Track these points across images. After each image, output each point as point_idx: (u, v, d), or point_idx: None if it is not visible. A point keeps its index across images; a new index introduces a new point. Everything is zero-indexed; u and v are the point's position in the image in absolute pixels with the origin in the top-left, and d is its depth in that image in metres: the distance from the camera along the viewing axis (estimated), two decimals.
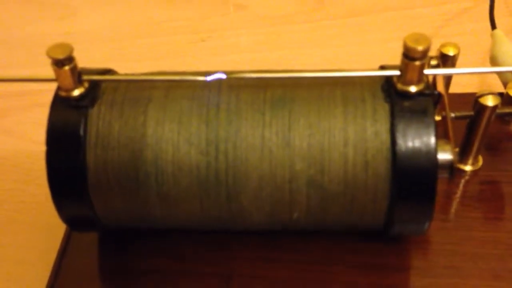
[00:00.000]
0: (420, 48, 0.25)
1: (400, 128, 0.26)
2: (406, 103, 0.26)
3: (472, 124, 0.32)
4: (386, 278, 0.30)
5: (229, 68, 0.29)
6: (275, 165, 0.27)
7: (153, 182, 0.28)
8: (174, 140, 0.28)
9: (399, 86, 0.27)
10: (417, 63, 0.25)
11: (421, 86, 0.26)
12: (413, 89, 0.26)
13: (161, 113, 0.28)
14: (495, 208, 0.33)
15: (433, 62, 0.34)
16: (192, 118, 0.28)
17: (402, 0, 0.60)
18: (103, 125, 0.28)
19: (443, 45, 0.33)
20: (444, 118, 0.32)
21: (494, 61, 0.38)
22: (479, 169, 0.35)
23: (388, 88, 0.27)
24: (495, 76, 0.38)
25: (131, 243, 0.32)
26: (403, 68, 0.26)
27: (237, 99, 0.28)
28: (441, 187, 0.32)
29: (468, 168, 0.35)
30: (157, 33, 0.61)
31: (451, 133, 0.30)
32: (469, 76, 0.44)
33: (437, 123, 0.27)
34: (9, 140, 0.49)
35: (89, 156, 0.28)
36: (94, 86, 0.29)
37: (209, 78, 0.28)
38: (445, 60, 0.33)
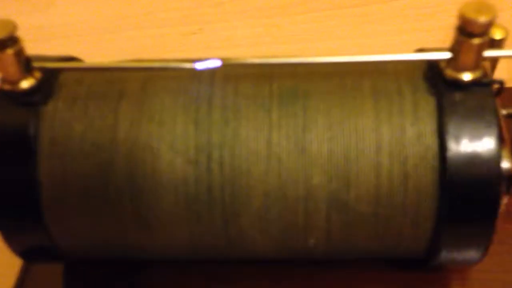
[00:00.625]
0: (482, 19, 0.19)
1: (451, 128, 0.20)
2: (458, 96, 0.20)
3: None
4: None
5: None
6: (286, 178, 0.21)
7: (127, 202, 0.21)
8: (153, 146, 0.21)
9: (449, 73, 0.20)
10: (476, 41, 0.19)
11: (478, 74, 0.20)
12: (467, 76, 0.20)
13: (137, 111, 0.21)
14: None
15: None
16: (177, 117, 0.21)
17: None
18: (60, 126, 0.21)
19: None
20: None
21: None
22: None
23: (434, 77, 0.21)
24: None
25: (102, 278, 0.26)
26: (456, 48, 0.20)
27: (235, 93, 0.21)
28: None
29: None
30: (142, 25, 0.54)
31: (506, 135, 0.23)
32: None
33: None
34: None
35: (42, 168, 0.21)
36: (50, 77, 0.22)
37: (199, 65, 0.22)
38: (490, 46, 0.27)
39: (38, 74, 0.22)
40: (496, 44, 0.28)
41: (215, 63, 0.21)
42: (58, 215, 0.22)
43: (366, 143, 0.20)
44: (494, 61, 0.28)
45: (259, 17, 0.54)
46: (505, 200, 0.28)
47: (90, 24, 0.55)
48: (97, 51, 0.52)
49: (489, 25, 0.19)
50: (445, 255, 0.22)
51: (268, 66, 0.22)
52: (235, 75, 0.22)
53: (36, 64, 0.22)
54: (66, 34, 0.54)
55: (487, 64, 0.21)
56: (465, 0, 0.19)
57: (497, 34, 0.27)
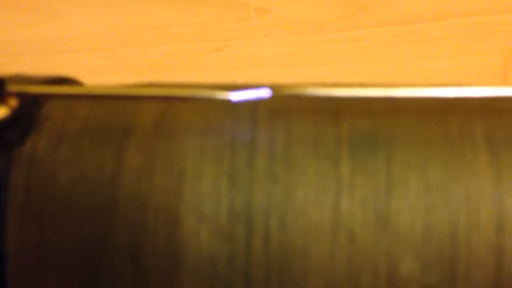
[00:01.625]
0: None
1: None
2: None
3: None
4: None
5: None
6: (360, 263, 0.14)
7: (129, 285, 0.15)
8: (170, 208, 0.15)
9: None
10: None
11: None
12: None
13: (148, 157, 0.15)
14: None
15: None
16: (204, 169, 0.15)
17: (471, 3, 0.48)
18: (40, 177, 0.15)
19: None
20: None
21: None
22: None
23: None
24: None
25: None
26: None
27: (288, 136, 0.15)
28: None
29: None
30: (159, 41, 0.49)
31: None
32: None
33: None
34: None
35: (12, 233, 0.15)
36: (31, 107, 0.16)
37: (236, 96, 0.15)
38: None
39: (14, 102, 0.16)
40: None
41: (262, 93, 0.15)
42: None
43: (482, 217, 0.14)
44: None
45: (290, 34, 0.49)
46: None
47: (101, 38, 0.50)
48: (107, 68, 0.47)
49: None
50: None
51: (334, 99, 0.16)
52: (287, 110, 0.16)
53: (13, 88, 0.16)
54: (74, 47, 0.49)
55: None
56: None
57: None
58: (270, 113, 0.16)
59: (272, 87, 0.15)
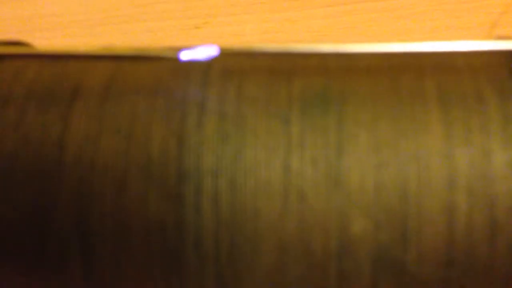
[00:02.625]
0: None
1: None
2: None
3: None
4: None
5: None
6: (312, 223, 0.14)
7: (75, 255, 0.15)
8: (117, 170, 0.14)
9: None
10: None
11: None
12: None
13: (96, 119, 0.15)
14: None
15: None
16: (152, 129, 0.15)
17: None
18: None
19: None
20: None
21: None
22: None
23: None
24: None
25: None
26: None
27: (238, 95, 0.15)
28: None
29: None
30: (139, 18, 0.48)
31: None
32: None
33: None
34: None
35: None
36: None
37: (185, 55, 0.15)
38: None
39: None
40: None
41: (210, 52, 0.14)
42: None
43: (432, 175, 0.13)
44: None
45: (271, 11, 0.48)
46: None
47: (80, 16, 0.49)
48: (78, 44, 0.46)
49: None
50: None
51: (287, 58, 0.15)
52: (239, 71, 0.15)
53: None
54: (53, 26, 0.48)
55: None
56: None
57: None
58: (222, 73, 0.15)
59: (222, 47, 0.15)
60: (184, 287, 0.14)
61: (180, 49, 0.15)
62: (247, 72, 0.15)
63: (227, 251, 0.14)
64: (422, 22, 0.45)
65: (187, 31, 0.48)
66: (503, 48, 0.15)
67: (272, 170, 0.14)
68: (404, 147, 0.14)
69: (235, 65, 0.15)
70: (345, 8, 0.48)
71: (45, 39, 0.49)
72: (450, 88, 0.14)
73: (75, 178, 0.14)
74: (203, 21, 0.48)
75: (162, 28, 0.47)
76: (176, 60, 0.15)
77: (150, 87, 0.15)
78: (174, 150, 0.14)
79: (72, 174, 0.14)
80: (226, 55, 0.15)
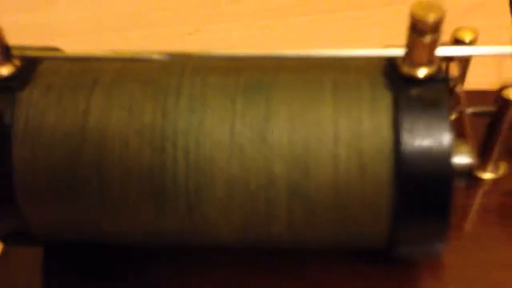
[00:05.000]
0: (431, 18, 0.19)
1: (406, 122, 0.20)
2: (414, 91, 0.21)
3: (493, 122, 0.26)
4: None
5: None
6: (248, 167, 0.21)
7: (95, 190, 0.22)
8: (122, 133, 0.22)
9: (405, 69, 0.21)
10: (428, 38, 0.20)
11: (432, 70, 0.21)
12: (422, 72, 0.21)
13: (108, 99, 0.22)
14: None
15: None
16: (145, 106, 0.22)
17: None
18: (34, 114, 0.22)
19: (458, 29, 0.28)
20: (460, 115, 0.26)
21: None
22: (501, 177, 0.29)
23: (391, 72, 0.21)
24: None
25: (78, 260, 0.27)
26: (409, 45, 0.21)
27: (203, 84, 0.22)
28: (455, 198, 0.26)
29: (487, 176, 0.29)
30: (136, 25, 0.56)
31: (469, 132, 0.24)
32: (485, 72, 0.39)
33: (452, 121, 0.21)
34: None
35: (16, 154, 0.22)
36: (28, 66, 0.23)
37: (169, 57, 0.23)
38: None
39: (17, 62, 0.23)
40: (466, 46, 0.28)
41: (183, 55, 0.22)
42: (30, 201, 0.23)
43: (325, 134, 0.21)
44: (465, 62, 0.29)
45: (255, 19, 0.55)
46: (477, 199, 0.29)
47: (88, 23, 0.56)
48: (94, 49, 0.53)
49: (438, 23, 0.19)
50: (404, 247, 0.23)
51: (238, 59, 0.23)
52: (205, 67, 0.23)
53: (16, 53, 0.23)
54: (67, 32, 0.55)
55: (439, 61, 0.21)
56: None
57: (467, 37, 0.28)
58: (193, 69, 0.23)
59: (191, 52, 0.22)
60: (165, 208, 0.22)
61: (166, 53, 0.23)
62: (210, 69, 0.23)
63: (193, 185, 0.22)
64: (384, 30, 0.52)
65: (180, 37, 0.55)
66: (374, 54, 0.22)
67: (223, 132, 0.21)
68: (308, 118, 0.21)
69: (203, 64, 0.23)
70: (317, 17, 0.55)
71: (59, 44, 0.57)
72: (340, 80, 0.22)
73: (94, 138, 0.22)
74: (195, 29, 0.56)
75: (157, 34, 0.55)
76: (163, 61, 0.22)
77: (144, 79, 0.23)
78: (159, 119, 0.22)
79: (93, 135, 0.22)
80: (197, 57, 0.23)
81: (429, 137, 0.20)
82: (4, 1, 0.59)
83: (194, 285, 0.26)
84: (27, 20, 0.57)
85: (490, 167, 0.29)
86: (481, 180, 0.29)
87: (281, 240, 0.23)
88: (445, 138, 0.20)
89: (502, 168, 0.29)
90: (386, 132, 0.21)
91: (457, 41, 0.28)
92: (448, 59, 0.26)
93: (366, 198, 0.21)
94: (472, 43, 0.28)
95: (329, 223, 0.22)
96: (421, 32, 0.20)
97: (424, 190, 0.21)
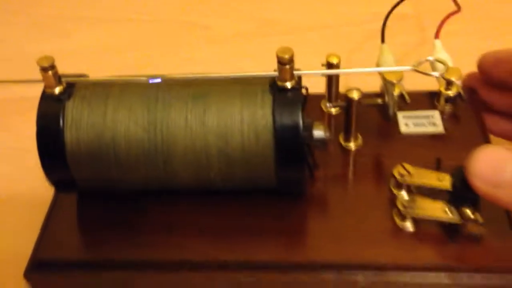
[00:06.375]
0: (286, 56, 0.37)
1: (278, 111, 0.38)
2: (283, 95, 0.39)
3: (346, 112, 0.44)
4: (291, 225, 0.42)
5: None
6: (195, 138, 0.39)
7: (112, 153, 0.40)
8: (125, 122, 0.40)
9: (279, 83, 0.39)
10: (287, 66, 0.37)
11: (293, 83, 0.38)
12: (288, 85, 0.38)
13: (117, 104, 0.40)
14: (373, 175, 0.45)
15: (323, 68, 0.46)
16: (138, 107, 0.40)
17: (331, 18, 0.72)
18: (76, 113, 0.40)
19: (328, 55, 0.45)
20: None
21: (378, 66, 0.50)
22: (360, 147, 0.46)
23: (273, 85, 0.39)
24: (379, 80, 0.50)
25: (105, 201, 0.44)
26: (279, 70, 0.38)
27: (170, 94, 0.40)
28: (335, 159, 0.44)
29: (352, 146, 0.46)
30: (134, 48, 0.73)
31: (326, 118, 0.42)
32: (364, 78, 0.55)
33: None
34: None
35: (66, 136, 0.40)
36: (70, 86, 0.41)
37: (150, 80, 0.40)
38: (330, 67, 0.45)
39: (64, 84, 0.40)
40: (334, 66, 0.46)
41: (158, 80, 0.40)
42: (75, 162, 0.40)
43: (235, 119, 0.39)
44: (330, 79, 0.46)
45: (223, 43, 0.72)
46: (349, 160, 0.46)
47: (98, 47, 0.73)
48: (104, 68, 0.70)
49: (291, 58, 0.37)
50: (285, 184, 0.40)
51: (188, 79, 0.41)
52: (171, 84, 0.41)
53: (63, 79, 0.41)
54: (80, 55, 0.72)
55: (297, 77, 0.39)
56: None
57: (334, 60, 0.46)
58: (165, 86, 0.40)
59: (162, 76, 0.40)
60: (151, 164, 0.39)
61: (149, 77, 0.40)
62: (174, 85, 0.40)
63: (166, 150, 0.39)
64: (315, 47, 0.68)
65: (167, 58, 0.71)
66: (263, 75, 0.40)
67: (181, 120, 0.39)
68: (227, 111, 0.39)
69: (170, 82, 0.41)
70: (270, 39, 0.72)
71: (75, 64, 0.73)
72: (245, 90, 0.39)
73: (110, 126, 0.39)
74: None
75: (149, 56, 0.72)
76: (147, 81, 0.40)
77: (137, 91, 0.40)
78: (146, 115, 0.39)
79: (108, 124, 0.39)
80: (167, 79, 0.40)
81: (290, 119, 0.38)
82: (31, 32, 0.76)
83: (166, 215, 0.43)
84: (48, 47, 0.74)
85: (352, 140, 0.46)
86: (349, 149, 0.46)
87: (216, 183, 0.41)
88: (297, 119, 0.38)
89: (360, 141, 0.47)
90: (269, 117, 0.38)
91: (329, 63, 0.45)
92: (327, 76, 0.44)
93: (260, 154, 0.39)
94: (338, 64, 0.45)
95: (241, 171, 0.40)
96: (283, 63, 0.37)
97: (289, 148, 0.38)
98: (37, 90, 0.41)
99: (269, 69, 0.40)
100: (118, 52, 0.73)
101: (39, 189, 0.46)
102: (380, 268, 0.39)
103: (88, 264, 0.42)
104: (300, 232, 0.42)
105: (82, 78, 0.42)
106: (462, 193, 0.38)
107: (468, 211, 0.38)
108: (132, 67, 0.70)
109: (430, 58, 0.41)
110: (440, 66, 0.43)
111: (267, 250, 0.41)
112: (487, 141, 0.46)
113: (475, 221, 0.38)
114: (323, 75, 0.45)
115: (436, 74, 0.41)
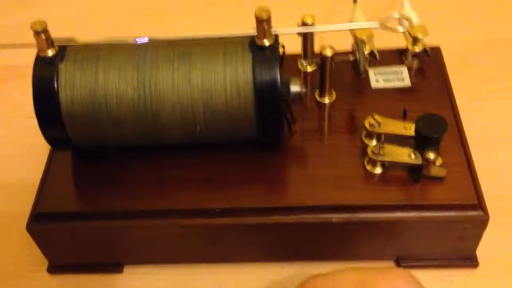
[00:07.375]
0: (264, 15, 0.40)
1: (257, 68, 0.41)
2: (261, 52, 0.42)
3: (321, 69, 0.48)
4: (272, 174, 0.46)
5: None
6: (182, 95, 0.42)
7: (104, 111, 0.43)
8: (116, 82, 0.42)
9: (257, 41, 0.42)
10: (265, 25, 0.41)
11: (271, 41, 0.42)
12: (266, 43, 0.42)
13: (107, 65, 0.43)
14: (346, 127, 0.49)
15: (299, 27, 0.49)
16: (128, 67, 0.43)
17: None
18: (69, 74, 0.43)
19: (303, 16, 0.49)
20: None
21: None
22: (334, 101, 0.50)
23: (252, 44, 0.42)
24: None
25: (98, 158, 0.48)
26: (257, 29, 0.41)
27: (157, 54, 0.43)
28: (311, 114, 0.48)
29: (326, 101, 0.50)
30: (118, 16, 0.75)
31: (302, 76, 0.45)
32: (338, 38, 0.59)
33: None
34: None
35: (61, 95, 0.43)
36: (62, 49, 0.43)
37: (138, 40, 0.43)
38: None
39: (56, 47, 0.43)
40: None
41: (145, 39, 0.42)
42: (70, 120, 0.43)
43: (219, 76, 0.42)
44: (305, 37, 0.50)
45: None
46: (324, 113, 0.50)
47: (84, 18, 0.75)
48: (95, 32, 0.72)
49: (269, 17, 0.40)
50: (265, 135, 0.44)
51: (173, 40, 0.44)
52: (158, 45, 0.43)
53: (55, 43, 0.43)
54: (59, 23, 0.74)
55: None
56: None
57: (308, 20, 0.49)
58: (152, 47, 0.43)
59: (150, 38, 0.43)
60: (141, 119, 0.43)
61: (136, 38, 0.43)
62: (160, 46, 0.43)
63: (154, 106, 0.42)
64: None
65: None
66: (244, 34, 0.43)
67: (168, 79, 0.42)
68: (211, 68, 0.42)
69: (156, 42, 0.43)
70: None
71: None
72: (227, 48, 0.43)
73: (102, 85, 0.42)
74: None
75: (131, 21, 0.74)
76: (135, 42, 0.43)
77: (126, 52, 0.43)
78: (135, 74, 0.42)
79: (100, 84, 0.42)
80: (153, 40, 0.43)
81: (268, 74, 0.41)
82: (11, 6, 0.78)
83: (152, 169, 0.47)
84: (30, 19, 0.76)
85: (327, 96, 0.50)
86: (323, 104, 0.50)
87: (203, 135, 0.44)
88: (275, 74, 0.41)
89: (334, 96, 0.50)
90: (249, 73, 0.42)
91: (303, 23, 0.49)
92: (302, 34, 0.47)
93: (242, 107, 0.42)
94: (312, 24, 0.49)
95: (225, 124, 0.43)
96: (261, 22, 0.40)
97: (268, 102, 0.42)
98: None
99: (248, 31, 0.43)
100: (97, 20, 0.76)
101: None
102: (353, 208, 0.43)
103: (84, 215, 0.46)
104: (281, 180, 0.46)
105: (73, 42, 0.45)
106: (424, 138, 0.42)
107: (431, 154, 0.42)
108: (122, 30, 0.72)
109: (395, 14, 0.45)
110: (406, 23, 0.47)
111: (251, 197, 0.45)
112: (450, 93, 0.50)
113: (435, 162, 0.42)
114: (298, 33, 0.49)
115: (400, 28, 0.44)
